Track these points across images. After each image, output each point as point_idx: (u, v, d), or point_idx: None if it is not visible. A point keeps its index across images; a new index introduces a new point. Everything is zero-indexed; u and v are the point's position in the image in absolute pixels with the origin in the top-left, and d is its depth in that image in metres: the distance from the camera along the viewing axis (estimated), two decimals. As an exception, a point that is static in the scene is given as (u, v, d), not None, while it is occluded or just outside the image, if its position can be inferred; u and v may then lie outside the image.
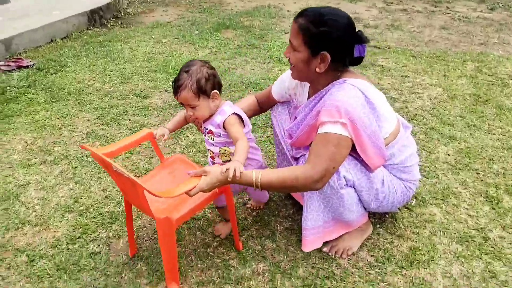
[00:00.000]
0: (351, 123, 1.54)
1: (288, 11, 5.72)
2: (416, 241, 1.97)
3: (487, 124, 2.91)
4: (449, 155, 2.59)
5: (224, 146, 1.78)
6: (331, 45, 1.60)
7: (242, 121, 1.75)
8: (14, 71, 3.88)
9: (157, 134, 1.80)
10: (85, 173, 2.49)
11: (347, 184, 1.70)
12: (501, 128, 2.86)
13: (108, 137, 2.86)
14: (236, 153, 1.62)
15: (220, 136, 1.75)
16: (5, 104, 3.30)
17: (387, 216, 2.12)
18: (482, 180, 2.37)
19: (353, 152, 1.64)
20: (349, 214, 1.77)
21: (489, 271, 1.81)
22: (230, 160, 1.77)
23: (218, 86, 1.71)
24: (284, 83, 1.99)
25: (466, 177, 2.40)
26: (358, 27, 5.05)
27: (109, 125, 3.01)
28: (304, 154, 1.86)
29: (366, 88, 1.66)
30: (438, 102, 3.23)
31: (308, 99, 1.86)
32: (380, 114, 1.66)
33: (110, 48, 4.43)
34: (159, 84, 3.62)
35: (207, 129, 1.77)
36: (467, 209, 2.16)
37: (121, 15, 5.55)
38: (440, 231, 2.02)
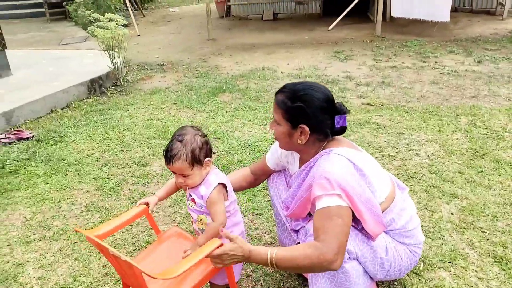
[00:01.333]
0: (345, 193, 1.55)
1: (281, 72, 5.90)
2: (427, 310, 1.90)
3: (487, 180, 2.91)
4: (452, 213, 2.57)
5: (202, 215, 1.79)
6: (308, 119, 1.67)
7: (226, 190, 1.76)
8: (14, 143, 3.92)
9: (149, 204, 1.84)
10: (84, 249, 2.45)
11: (350, 257, 1.67)
12: (501, 183, 2.86)
13: (107, 208, 2.84)
14: (203, 234, 1.69)
15: (201, 207, 1.76)
16: (4, 178, 3.30)
17: (395, 283, 2.06)
18: (488, 239, 2.33)
19: (352, 222, 1.63)
20: (356, 287, 1.73)
21: None
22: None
23: (210, 152, 1.75)
24: (276, 151, 2.03)
25: (472, 236, 2.36)
26: (350, 85, 5.20)
27: (108, 195, 3.00)
28: (304, 226, 1.84)
29: (353, 155, 1.68)
30: (436, 158, 3.26)
31: (299, 168, 1.88)
32: (371, 180, 1.67)
33: (109, 116, 4.51)
34: (158, 150, 3.65)
35: (190, 195, 1.78)
36: (476, 271, 2.11)
37: (120, 82, 5.71)
38: (451, 297, 1.96)
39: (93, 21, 5.46)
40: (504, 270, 2.11)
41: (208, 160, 1.71)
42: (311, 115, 1.65)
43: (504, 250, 2.24)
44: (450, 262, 2.18)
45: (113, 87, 5.60)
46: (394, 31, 8.00)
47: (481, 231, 2.41)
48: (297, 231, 1.93)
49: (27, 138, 4.00)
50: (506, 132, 3.63)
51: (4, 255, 2.44)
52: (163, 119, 4.39)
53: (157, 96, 5.16)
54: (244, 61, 6.63)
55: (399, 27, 8.31)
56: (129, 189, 3.07)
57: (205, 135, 1.76)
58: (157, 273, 1.44)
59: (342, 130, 1.72)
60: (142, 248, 2.38)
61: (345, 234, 1.54)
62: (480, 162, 3.16)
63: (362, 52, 6.71)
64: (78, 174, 3.32)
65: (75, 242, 2.51)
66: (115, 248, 2.44)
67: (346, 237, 1.55)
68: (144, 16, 11.86)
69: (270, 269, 2.16)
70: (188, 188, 1.78)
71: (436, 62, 6.00)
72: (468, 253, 2.24)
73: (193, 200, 1.77)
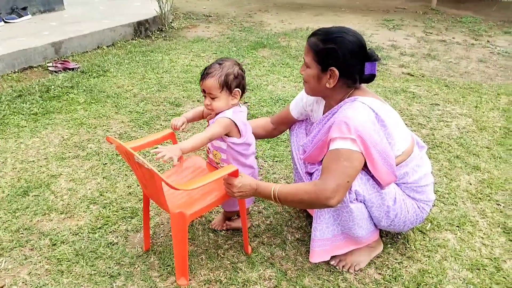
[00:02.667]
0: (361, 139, 1.59)
1: (325, 34, 5.81)
2: (426, 264, 1.96)
3: (515, 158, 2.86)
4: (470, 184, 2.56)
5: (216, 150, 1.88)
6: (339, 62, 1.67)
7: (238, 131, 1.82)
8: (60, 72, 4.15)
9: (177, 124, 1.90)
10: (113, 170, 2.63)
11: (357, 199, 1.74)
12: (529, 163, 2.80)
13: (138, 138, 3.00)
14: (187, 140, 1.68)
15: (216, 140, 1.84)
16: (48, 101, 3.53)
17: (399, 237, 2.12)
18: (501, 212, 2.33)
19: (365, 167, 1.69)
20: (358, 229, 1.80)
21: (497, 301, 1.78)
22: (220, 165, 1.91)
23: (242, 87, 1.81)
24: (301, 100, 2.06)
25: (486, 207, 2.36)
26: (393, 54, 5.08)
27: (141, 128, 3.17)
28: (318, 169, 1.91)
29: (377, 106, 1.71)
30: (466, 132, 3.21)
31: (322, 115, 1.92)
32: (391, 132, 1.70)
33: (151, 58, 4.65)
34: (193, 94, 3.77)
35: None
36: (482, 238, 2.14)
37: (166, 28, 5.82)
38: (452, 256, 2.01)
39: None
40: (511, 241, 2.12)
41: (238, 90, 1.78)
42: (342, 58, 1.66)
43: (515, 224, 2.24)
44: (458, 226, 2.21)
45: (158, 32, 5.72)
46: (450, 5, 7.64)
47: (496, 204, 2.40)
48: (311, 174, 2.00)
49: (73, 69, 4.22)
50: (546, 115, 3.50)
51: (41, 166, 2.66)
52: (201, 66, 4.49)
53: (199, 44, 5.25)
54: (290, 20, 6.57)
55: (456, 2, 7.92)
56: (161, 125, 3.22)
57: (244, 71, 1.82)
58: (176, 184, 1.57)
59: (371, 78, 1.74)
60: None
61: (348, 175, 1.60)
62: (510, 141, 3.09)
63: (412, 23, 6.49)
64: (115, 105, 3.50)
65: (106, 164, 2.70)
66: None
67: (347, 178, 1.61)
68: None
69: (277, 204, 2.26)
70: (210, 120, 1.87)
71: (488, 41, 5.74)
72: (478, 221, 2.25)
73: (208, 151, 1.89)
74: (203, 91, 1.79)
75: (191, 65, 4.51)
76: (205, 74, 1.75)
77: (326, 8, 7.35)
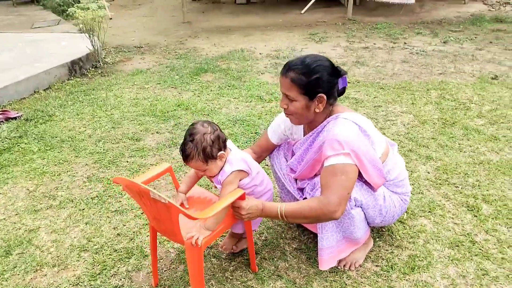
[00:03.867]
0: (353, 152, 1.77)
1: (260, 53, 6.07)
2: (413, 250, 2.17)
3: (458, 144, 3.23)
4: (428, 172, 2.86)
5: None
6: (324, 87, 1.85)
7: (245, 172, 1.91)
8: (2, 123, 3.94)
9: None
10: (93, 214, 2.58)
11: (356, 205, 1.91)
12: (470, 146, 3.18)
13: (109, 178, 2.97)
14: (210, 220, 1.79)
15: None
16: (-1, 155, 3.35)
17: (384, 230, 2.32)
18: (461, 193, 2.64)
19: (359, 175, 1.86)
20: (357, 231, 1.97)
21: (481, 269, 2.03)
22: None
23: (223, 144, 1.84)
24: (278, 127, 2.19)
25: (447, 191, 2.66)
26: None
27: (108, 168, 3.12)
28: (309, 183, 2.05)
29: (357, 118, 1.90)
30: (411, 127, 3.55)
31: (304, 135, 2.08)
32: (373, 139, 1.90)
33: (95, 96, 4.57)
34: (150, 126, 3.78)
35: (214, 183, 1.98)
36: (452, 218, 2.41)
37: (100, 64, 5.73)
38: (433, 239, 2.25)
39: (72, 2, 5.44)
40: (476, 216, 2.41)
41: (222, 153, 1.82)
42: (326, 83, 1.83)
43: (475, 201, 2.54)
44: (429, 212, 2.47)
45: (93, 69, 5.61)
46: (364, 14, 8.30)
47: (455, 186, 2.71)
48: (302, 190, 2.14)
49: (15, 118, 4.03)
50: (472, 103, 3.98)
51: (15, 223, 2.54)
52: (149, 98, 4.50)
53: (140, 76, 5.24)
54: (222, 43, 6.76)
55: (369, 10, 8.62)
56: (127, 161, 3.20)
57: (216, 128, 1.83)
58: (194, 213, 1.63)
59: (343, 91, 1.93)
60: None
61: (346, 188, 1.77)
62: (450, 129, 3.48)
63: (335, 34, 6.97)
64: (73, 149, 3.42)
65: (83, 209, 2.64)
66: (135, 209, 2.60)
67: (347, 190, 1.77)
68: (113, 0, 11.68)
69: (281, 221, 2.36)
70: (214, 179, 1.93)
71: (405, 43, 6.33)
72: (444, 204, 2.53)
73: (215, 187, 1.96)
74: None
75: (139, 98, 4.50)
76: (184, 157, 1.81)
77: (253, 29, 7.65)
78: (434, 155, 3.07)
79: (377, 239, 2.26)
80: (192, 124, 1.83)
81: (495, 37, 6.42)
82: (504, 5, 8.41)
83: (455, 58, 5.47)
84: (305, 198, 2.07)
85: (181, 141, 3.42)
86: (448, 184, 2.73)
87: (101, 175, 3.02)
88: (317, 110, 1.88)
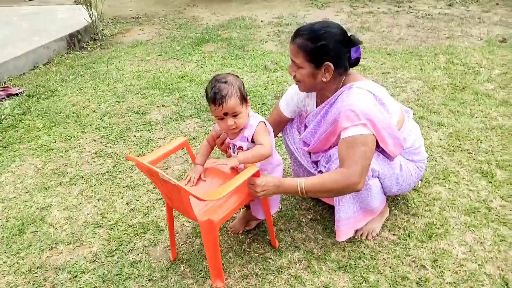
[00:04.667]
0: (370, 122, 1.73)
1: (261, 21, 5.93)
2: (429, 218, 2.17)
3: (469, 109, 3.18)
4: (441, 139, 2.83)
5: (239, 150, 1.89)
6: (331, 55, 1.78)
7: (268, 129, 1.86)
8: (4, 100, 3.87)
9: (194, 179, 1.89)
10: (105, 190, 2.57)
11: (373, 175, 1.88)
12: (482, 112, 3.13)
13: (117, 153, 2.94)
14: (246, 152, 1.75)
15: (247, 149, 1.82)
16: (3, 132, 3.31)
17: (399, 198, 2.31)
18: (474, 159, 2.61)
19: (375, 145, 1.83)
20: (374, 201, 1.95)
21: (498, 235, 2.03)
22: (242, 166, 1.90)
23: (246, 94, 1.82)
24: (291, 99, 2.13)
25: (460, 157, 2.63)
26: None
27: (115, 142, 3.09)
28: (323, 156, 2.02)
29: (371, 86, 1.85)
30: (421, 93, 3.50)
31: (317, 107, 2.03)
32: (388, 107, 1.86)
33: (96, 70, 4.48)
34: (155, 100, 3.72)
35: (236, 146, 1.84)
36: (467, 185, 2.39)
37: (99, 37, 5.60)
38: (448, 206, 2.24)
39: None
40: (491, 182, 2.40)
41: (249, 98, 1.79)
42: (334, 51, 1.77)
43: (489, 167, 2.52)
44: (444, 179, 2.45)
45: (92, 42, 5.49)
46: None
47: (468, 152, 2.68)
48: (316, 162, 2.11)
49: (17, 94, 3.95)
50: (481, 67, 3.91)
51: (26, 201, 2.53)
52: (151, 70, 4.42)
53: (140, 48, 5.13)
54: (221, 11, 6.59)
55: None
56: (135, 136, 3.16)
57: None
58: (203, 195, 1.60)
59: (357, 61, 1.87)
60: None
61: (367, 158, 1.74)
62: (460, 95, 3.42)
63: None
64: (79, 125, 3.37)
65: (94, 185, 2.62)
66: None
67: (368, 161, 1.74)
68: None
69: (300, 197, 2.34)
70: (231, 140, 1.86)
71: (410, 7, 6.18)
72: (458, 171, 2.51)
73: (240, 148, 1.83)
74: (223, 114, 1.72)
75: (141, 71, 4.42)
76: (220, 97, 1.67)
77: (253, -5, 7.45)
78: (445, 122, 3.03)
79: (393, 208, 2.25)
80: (214, 76, 1.77)
81: None
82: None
83: (462, 22, 5.35)
84: (320, 171, 2.04)
85: (188, 114, 3.41)
86: (461, 150, 2.71)
87: (109, 151, 2.99)
88: (324, 79, 1.82)
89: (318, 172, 2.08)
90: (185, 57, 4.71)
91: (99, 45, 5.39)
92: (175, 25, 6.06)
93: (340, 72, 1.84)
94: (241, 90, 1.74)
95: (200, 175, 1.91)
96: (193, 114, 3.42)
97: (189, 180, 1.88)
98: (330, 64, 1.78)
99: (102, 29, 5.89)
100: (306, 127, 2.11)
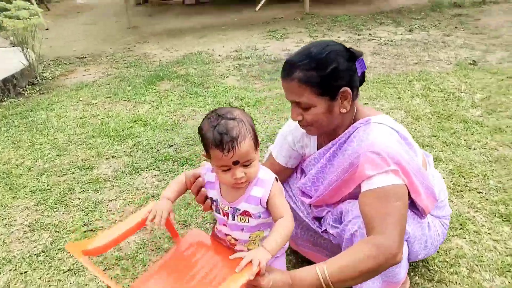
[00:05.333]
0: (401, 168, 1.31)
1: (219, 55, 5.53)
2: (459, 283, 1.74)
3: (463, 140, 2.85)
4: (443, 178, 2.46)
5: (259, 230, 1.37)
6: (345, 78, 1.38)
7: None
8: None
9: (161, 217, 1.31)
10: (40, 278, 1.97)
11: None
12: (478, 142, 2.82)
13: (57, 224, 2.35)
14: (270, 235, 1.23)
15: (259, 217, 1.33)
16: None
17: (417, 260, 1.88)
18: (487, 199, 2.25)
19: None
20: (401, 272, 1.50)
21: (549, 302, 1.62)
22: (236, 246, 1.42)
23: None
24: (285, 141, 1.69)
25: (471, 198, 2.26)
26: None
27: (54, 209, 2.49)
28: (330, 212, 1.57)
29: (392, 122, 1.45)
30: (406, 124, 3.16)
31: (318, 148, 1.60)
32: (414, 148, 1.46)
33: (33, 119, 3.86)
34: (103, 150, 3.16)
35: (238, 210, 1.33)
36: (489, 234, 2.00)
37: (38, 80, 4.97)
38: (477, 265, 1.82)
39: (-2, 10, 4.67)
40: (515, 228, 2.02)
41: (259, 142, 1.31)
42: (345, 72, 1.37)
43: (506, 208, 2.16)
44: (461, 229, 2.05)
45: (30, 86, 4.85)
46: (322, 7, 7.95)
47: (477, 192, 2.32)
48: (318, 219, 1.65)
49: None
50: (461, 92, 3.65)
51: None
52: (98, 115, 3.86)
53: (85, 91, 4.56)
54: (175, 47, 6.15)
55: (326, 3, 8.29)
56: (79, 198, 2.59)
57: None
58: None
59: (363, 78, 1.47)
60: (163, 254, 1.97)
61: (404, 217, 1.30)
62: (448, 123, 3.11)
63: (296, 30, 6.55)
64: (10, 188, 2.74)
65: (26, 272, 2.01)
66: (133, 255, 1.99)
67: (405, 220, 1.31)
68: (49, 10, 10.70)
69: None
70: (227, 202, 1.34)
71: (370, 34, 6.01)
72: (474, 216, 2.13)
73: (245, 213, 1.32)
74: (233, 163, 1.22)
75: (86, 116, 3.85)
76: (229, 140, 1.18)
77: (207, 29, 7.08)
78: (442, 156, 2.68)
79: (412, 274, 1.80)
80: (214, 110, 1.28)
81: (459, 21, 6.23)
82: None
83: (426, 46, 5.19)
84: (325, 231, 1.58)
85: (144, 165, 2.88)
86: (469, 190, 2.34)
87: (46, 221, 2.39)
88: (343, 110, 1.41)
89: (323, 232, 1.61)
90: (138, 98, 4.20)
91: (38, 89, 4.76)
92: (125, 63, 5.54)
93: (354, 97, 1.43)
94: (254, 129, 1.27)
95: (169, 214, 1.34)
96: (150, 165, 2.89)
97: (153, 219, 1.31)
98: (347, 88, 1.38)
99: (42, 72, 5.28)
100: (303, 172, 1.66)
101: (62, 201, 2.57)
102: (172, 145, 3.14)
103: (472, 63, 4.43)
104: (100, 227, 2.31)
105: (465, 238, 1.99)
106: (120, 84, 4.69)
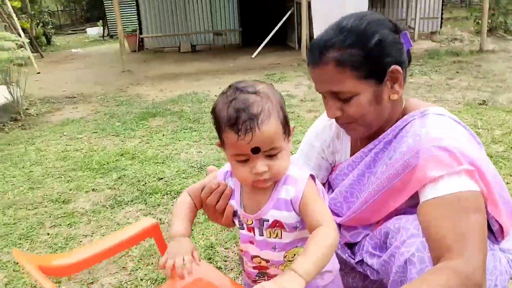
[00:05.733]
0: (477, 168, 0.97)
1: (215, 95, 5.28)
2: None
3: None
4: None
5: (297, 246, 1.00)
6: (392, 52, 1.07)
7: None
8: None
9: (187, 261, 0.88)
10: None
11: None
12: (511, 176, 2.49)
13: (17, 262, 1.92)
14: (303, 253, 0.85)
15: (295, 228, 0.97)
16: None
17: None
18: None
19: None
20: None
21: None
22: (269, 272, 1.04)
23: None
24: (313, 148, 1.34)
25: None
26: (294, 102, 4.76)
27: (18, 245, 2.07)
28: (369, 236, 1.19)
29: (452, 115, 1.13)
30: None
31: (352, 153, 1.25)
32: (483, 149, 1.13)
33: (10, 152, 3.50)
34: (83, 183, 2.77)
35: (265, 221, 0.97)
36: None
37: (21, 116, 4.66)
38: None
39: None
40: None
41: (293, 127, 0.97)
42: (393, 44, 1.06)
43: None
44: None
45: (12, 122, 4.53)
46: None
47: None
48: (353, 245, 1.26)
49: None
50: (479, 129, 3.38)
51: None
52: (82, 149, 3.51)
53: (71, 126, 4.24)
54: (170, 89, 5.93)
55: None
56: (48, 234, 2.18)
57: None
58: None
59: (410, 58, 1.14)
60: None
61: (485, 235, 0.93)
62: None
63: (294, 74, 6.40)
64: (-33, 222, 2.33)
65: (-35, 321, 1.57)
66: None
67: (486, 240, 0.94)
68: (43, 57, 10.61)
69: None
70: (252, 214, 0.97)
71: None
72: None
73: (276, 224, 0.96)
74: (252, 151, 0.88)
75: (69, 150, 3.49)
76: (248, 118, 0.86)
77: (203, 74, 6.92)
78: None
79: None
80: (230, 85, 0.95)
81: (459, 67, 6.13)
82: (453, 41, 8.41)
83: (431, 88, 5.01)
84: (360, 262, 1.19)
85: (128, 198, 2.50)
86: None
87: (4, 258, 1.97)
88: (394, 96, 1.09)
89: (357, 264, 1.22)
90: (127, 133, 3.87)
91: (20, 125, 4.44)
92: (116, 102, 5.27)
93: (405, 79, 1.11)
94: (284, 110, 0.93)
95: (192, 255, 0.92)
96: (136, 199, 2.50)
97: (173, 269, 0.87)
98: (397, 67, 1.06)
99: (27, 109, 4.98)
100: (330, 188, 1.30)
101: (28, 236, 2.16)
102: (162, 178, 2.77)
103: (482, 103, 4.21)
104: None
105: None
106: (109, 120, 4.39)
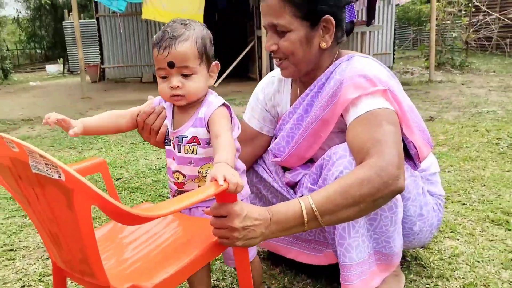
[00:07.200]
0: (391, 92, 1.12)
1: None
2: (463, 278, 1.44)
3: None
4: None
5: (209, 163, 1.13)
6: (331, 7, 1.20)
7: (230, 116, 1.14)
8: None
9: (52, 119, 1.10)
10: None
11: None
12: (452, 166, 2.68)
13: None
14: (218, 151, 1.00)
15: (208, 144, 1.11)
16: None
17: (408, 259, 1.58)
18: (473, 209, 2.03)
19: None
20: (397, 238, 1.21)
21: None
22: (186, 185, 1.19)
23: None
24: (258, 100, 1.46)
25: (456, 208, 2.04)
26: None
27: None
28: (306, 174, 1.30)
29: (378, 60, 1.27)
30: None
31: (292, 103, 1.38)
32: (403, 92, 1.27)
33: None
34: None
35: (184, 137, 1.11)
36: (483, 235, 1.76)
37: (-27, 133, 4.54)
38: (478, 261, 1.55)
39: None
40: (510, 229, 1.79)
41: (217, 64, 1.15)
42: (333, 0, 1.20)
43: (495, 215, 1.94)
44: (452, 232, 1.80)
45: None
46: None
47: (461, 204, 2.11)
48: (293, 186, 1.36)
49: None
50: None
51: None
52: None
53: (27, 142, 4.16)
54: (130, 112, 5.96)
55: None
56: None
57: None
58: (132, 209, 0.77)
59: (351, 29, 1.29)
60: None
61: (401, 144, 1.08)
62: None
63: (254, 99, 6.60)
64: None
65: None
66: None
67: (401, 147, 1.07)
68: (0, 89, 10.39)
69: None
70: (176, 129, 1.13)
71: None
72: (464, 221, 1.89)
73: (194, 139, 1.11)
74: (168, 65, 1.07)
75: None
76: (168, 38, 1.06)
77: (164, 99, 7.02)
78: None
79: (406, 273, 1.49)
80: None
81: (409, 94, 6.01)
82: (404, 74, 8.95)
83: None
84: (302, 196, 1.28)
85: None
86: (452, 202, 2.13)
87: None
88: (324, 45, 1.22)
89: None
90: (85, 146, 3.86)
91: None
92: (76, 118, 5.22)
93: (337, 37, 1.25)
94: (205, 42, 1.10)
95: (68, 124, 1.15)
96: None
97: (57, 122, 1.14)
98: (330, 18, 1.19)
99: (-21, 128, 4.86)
100: (275, 138, 1.40)
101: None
102: (120, 179, 2.79)
103: (429, 119, 4.51)
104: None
105: (458, 240, 1.73)
106: (66, 136, 4.34)
